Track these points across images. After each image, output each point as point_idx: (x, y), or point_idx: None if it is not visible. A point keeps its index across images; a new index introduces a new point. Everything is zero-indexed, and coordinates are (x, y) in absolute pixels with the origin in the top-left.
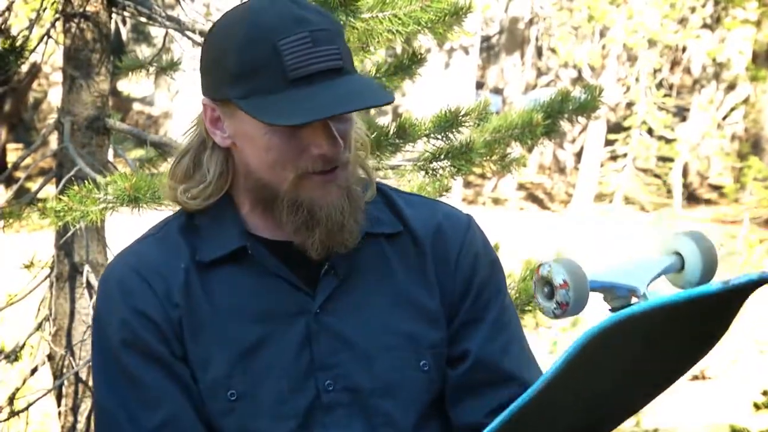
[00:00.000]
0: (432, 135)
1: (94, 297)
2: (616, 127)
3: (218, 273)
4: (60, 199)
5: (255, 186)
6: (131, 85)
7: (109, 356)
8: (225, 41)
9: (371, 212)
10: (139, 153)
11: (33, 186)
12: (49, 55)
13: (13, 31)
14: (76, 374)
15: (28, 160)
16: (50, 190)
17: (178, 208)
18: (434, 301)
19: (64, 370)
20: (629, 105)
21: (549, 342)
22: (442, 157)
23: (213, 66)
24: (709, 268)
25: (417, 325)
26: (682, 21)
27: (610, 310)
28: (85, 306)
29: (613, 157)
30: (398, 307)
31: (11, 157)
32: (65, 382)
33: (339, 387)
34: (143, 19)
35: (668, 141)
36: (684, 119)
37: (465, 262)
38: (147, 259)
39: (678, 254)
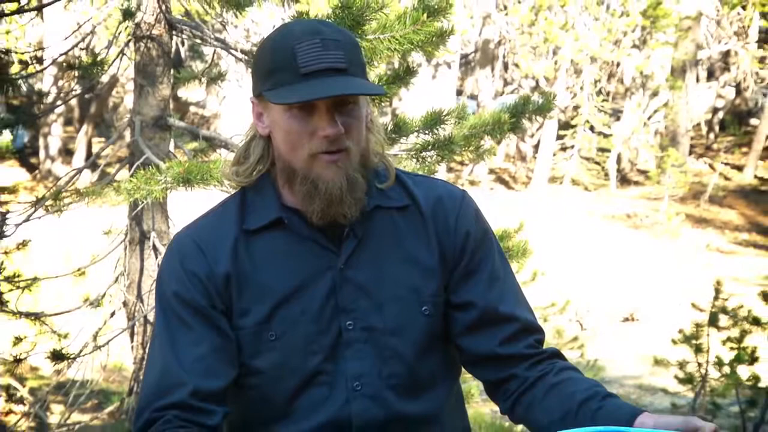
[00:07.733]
0: (421, 131)
1: (160, 257)
2: (565, 125)
3: (262, 238)
4: (131, 180)
5: (284, 166)
6: (188, 92)
7: (165, 303)
8: (262, 50)
9: (386, 192)
10: (193, 145)
11: (111, 170)
12: (124, 69)
13: (96, 50)
14: (145, 317)
15: (107, 151)
16: (125, 174)
17: (222, 187)
18: (433, 259)
19: (136, 314)
20: (576, 108)
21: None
22: (430, 148)
23: (254, 70)
24: None
25: (420, 279)
26: (617, 42)
27: None
28: (152, 264)
29: (563, 148)
30: (405, 264)
31: (95, 149)
32: (136, 324)
33: (358, 327)
34: (197, 41)
35: (606, 136)
36: (618, 119)
37: (461, 227)
38: (203, 230)
39: None
